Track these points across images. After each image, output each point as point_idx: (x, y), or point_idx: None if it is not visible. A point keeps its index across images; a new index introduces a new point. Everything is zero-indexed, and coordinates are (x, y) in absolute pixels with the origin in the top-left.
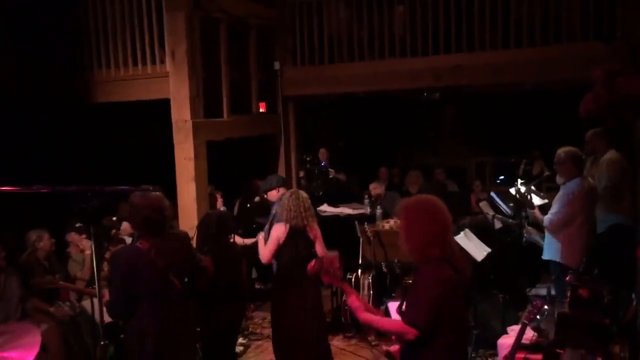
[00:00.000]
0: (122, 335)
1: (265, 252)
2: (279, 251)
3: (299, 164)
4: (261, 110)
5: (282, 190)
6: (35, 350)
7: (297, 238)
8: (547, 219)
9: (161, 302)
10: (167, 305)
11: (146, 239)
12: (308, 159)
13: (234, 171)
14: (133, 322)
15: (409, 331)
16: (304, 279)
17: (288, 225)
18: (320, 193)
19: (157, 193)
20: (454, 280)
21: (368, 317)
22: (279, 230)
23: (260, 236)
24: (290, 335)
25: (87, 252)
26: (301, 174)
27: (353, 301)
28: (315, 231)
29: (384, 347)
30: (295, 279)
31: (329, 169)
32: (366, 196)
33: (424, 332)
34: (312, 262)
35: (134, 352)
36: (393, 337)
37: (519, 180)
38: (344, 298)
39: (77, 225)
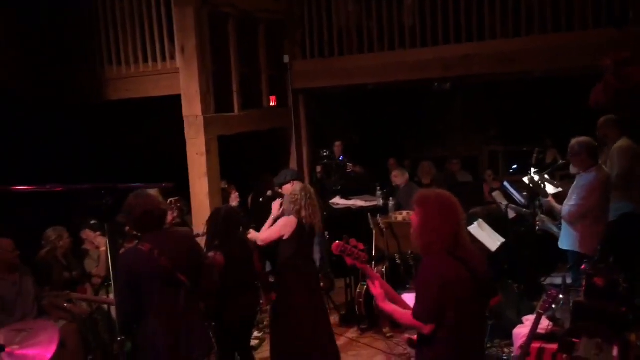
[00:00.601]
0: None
1: (265, 235)
2: (284, 246)
3: (316, 159)
4: (272, 104)
5: (296, 184)
6: (53, 347)
7: (303, 234)
8: (564, 210)
9: (170, 301)
10: (177, 303)
11: (147, 239)
12: (325, 153)
13: (246, 166)
14: (144, 321)
15: (418, 325)
16: (309, 274)
17: (297, 221)
18: (339, 187)
19: (151, 191)
20: (461, 274)
21: (388, 307)
22: (287, 223)
23: (275, 211)
24: (292, 331)
25: (102, 249)
26: (318, 169)
27: (375, 288)
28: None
29: (407, 336)
30: (299, 274)
31: (347, 163)
32: (378, 188)
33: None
34: (337, 242)
35: (147, 352)
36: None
37: (533, 169)
38: (357, 290)
39: (92, 222)
